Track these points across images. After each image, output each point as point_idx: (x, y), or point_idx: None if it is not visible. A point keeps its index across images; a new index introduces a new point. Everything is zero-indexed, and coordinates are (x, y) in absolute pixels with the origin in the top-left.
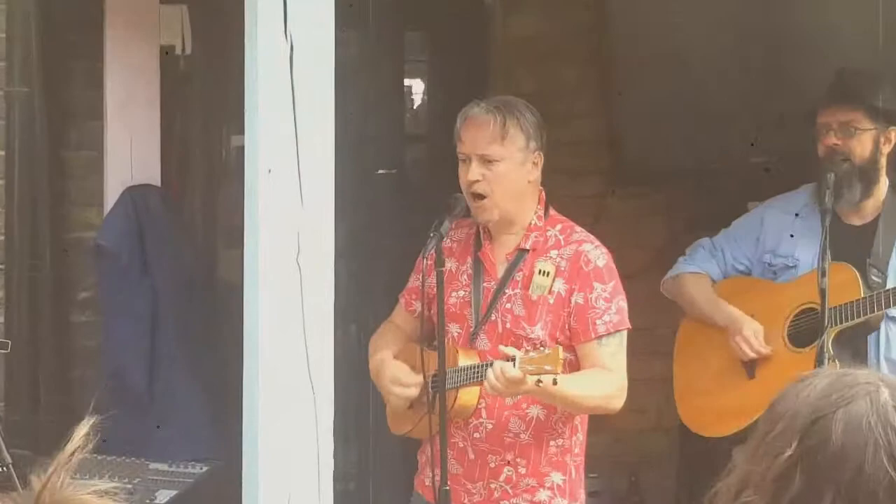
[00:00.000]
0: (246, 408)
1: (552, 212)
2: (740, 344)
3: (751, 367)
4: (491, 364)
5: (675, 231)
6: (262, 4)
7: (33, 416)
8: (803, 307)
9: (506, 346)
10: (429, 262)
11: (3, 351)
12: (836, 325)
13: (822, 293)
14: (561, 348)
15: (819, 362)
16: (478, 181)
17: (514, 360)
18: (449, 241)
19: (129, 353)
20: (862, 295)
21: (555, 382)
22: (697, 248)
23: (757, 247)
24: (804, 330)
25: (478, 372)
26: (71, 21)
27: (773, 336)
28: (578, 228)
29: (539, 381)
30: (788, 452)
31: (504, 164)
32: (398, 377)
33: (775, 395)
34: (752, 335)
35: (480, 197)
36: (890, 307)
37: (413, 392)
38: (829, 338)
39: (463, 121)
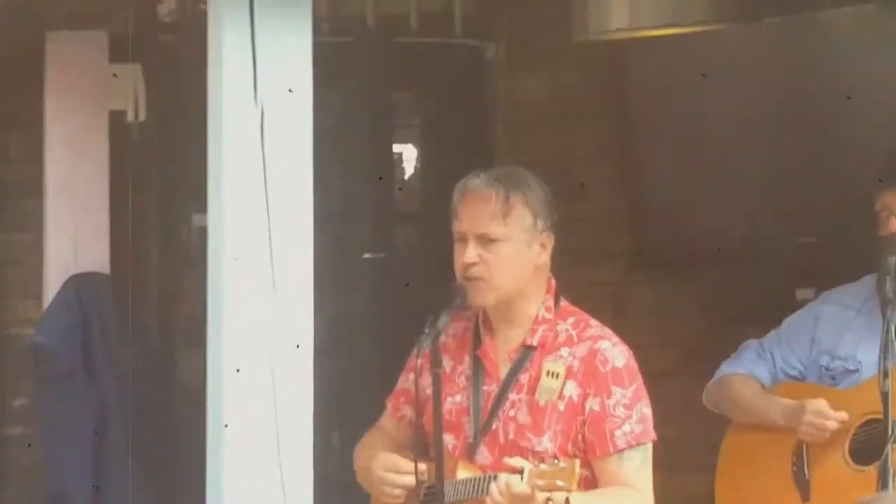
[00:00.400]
0: None
1: (563, 302)
2: (812, 421)
3: (805, 487)
4: (495, 477)
5: (710, 325)
6: (227, 62)
7: None
8: (868, 417)
9: (511, 458)
10: (422, 362)
11: None
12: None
13: (885, 398)
14: (578, 462)
15: (883, 483)
16: (475, 264)
17: (522, 472)
18: (444, 335)
19: (72, 474)
20: None
21: (567, 502)
22: (743, 350)
23: (812, 348)
24: (869, 444)
25: (479, 486)
26: (6, 86)
27: (833, 452)
28: (594, 322)
29: (549, 499)
30: None
31: (506, 245)
32: (393, 464)
33: None
34: (822, 406)
35: (476, 279)
36: None
37: (409, 481)
38: (893, 453)
39: (460, 195)
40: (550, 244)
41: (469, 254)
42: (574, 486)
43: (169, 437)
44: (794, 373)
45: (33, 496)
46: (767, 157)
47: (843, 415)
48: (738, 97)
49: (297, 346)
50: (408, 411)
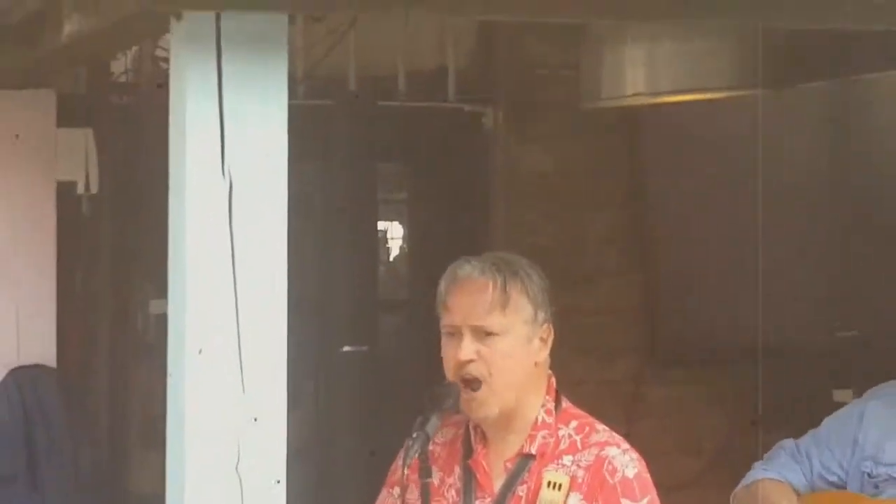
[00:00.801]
0: None
1: (565, 404)
2: None
3: None
4: None
5: (734, 428)
6: (192, 128)
7: None
8: None
9: None
10: (409, 473)
11: None
12: None
13: None
14: None
15: None
16: (472, 361)
17: None
18: (432, 443)
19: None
20: None
21: None
22: (778, 452)
23: (854, 451)
24: None
25: None
26: None
27: None
28: (600, 426)
29: None
30: None
31: (506, 340)
32: None
33: None
34: None
35: (474, 383)
36: None
37: None
38: None
39: (450, 284)
40: (551, 338)
41: (465, 349)
42: None
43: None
44: (833, 479)
45: None
46: (799, 239)
47: None
48: (766, 171)
49: (269, 452)
50: None
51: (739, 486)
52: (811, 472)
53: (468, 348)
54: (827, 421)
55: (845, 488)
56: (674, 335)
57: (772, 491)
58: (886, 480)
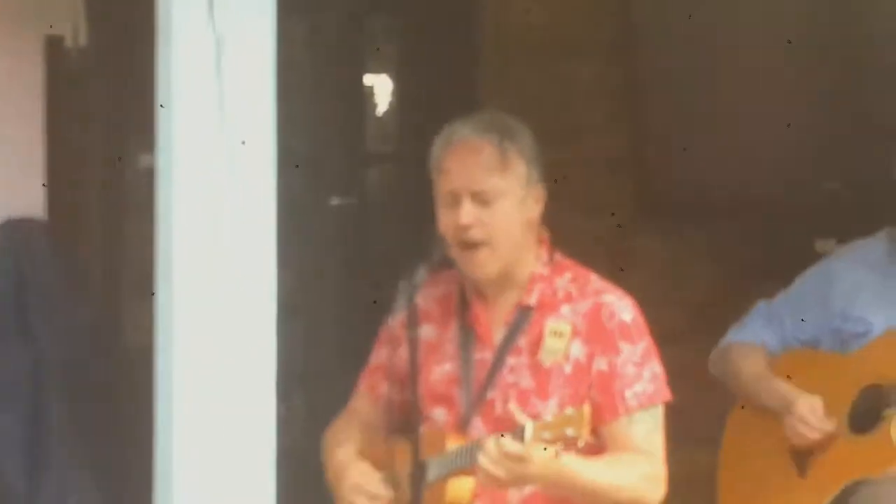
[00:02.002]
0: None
1: (558, 256)
2: (795, 426)
3: (802, 462)
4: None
5: (722, 280)
6: None
7: None
8: (870, 383)
9: (505, 429)
10: (400, 328)
11: None
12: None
13: None
14: (588, 407)
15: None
16: (472, 225)
17: (522, 429)
18: (426, 300)
19: (2, 445)
20: None
21: (578, 445)
22: (752, 315)
23: (824, 310)
24: (867, 412)
25: (468, 454)
26: None
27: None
28: (593, 276)
29: (557, 452)
30: None
31: (505, 203)
32: (363, 486)
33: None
34: (809, 411)
35: (475, 245)
36: None
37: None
38: (891, 422)
39: (447, 145)
40: (543, 196)
41: (466, 213)
42: (585, 434)
43: (112, 402)
44: (805, 337)
45: None
46: (788, 92)
47: (830, 426)
48: (756, 26)
49: (258, 302)
50: (386, 389)
51: (716, 349)
52: (784, 332)
53: (469, 212)
54: (798, 281)
55: (817, 346)
56: (663, 188)
57: (743, 358)
58: (853, 336)
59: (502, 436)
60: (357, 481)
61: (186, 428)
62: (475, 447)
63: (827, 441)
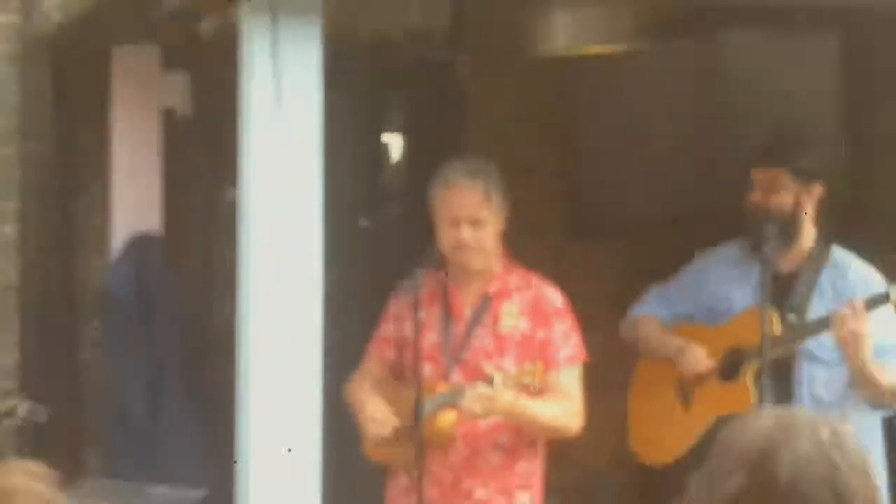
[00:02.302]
0: (240, 441)
1: (509, 262)
2: (690, 361)
3: (687, 398)
4: (468, 387)
5: (630, 279)
6: (254, 69)
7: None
8: (732, 346)
9: (477, 379)
10: (404, 310)
11: (40, 419)
12: (752, 361)
13: (764, 335)
14: (541, 365)
15: (757, 396)
16: (470, 241)
17: (492, 380)
18: (420, 292)
19: (135, 390)
20: (781, 333)
21: (534, 389)
22: (649, 295)
23: (700, 292)
24: (731, 366)
25: (451, 395)
26: (82, 85)
27: (707, 373)
28: (534, 275)
29: (526, 389)
30: (738, 484)
31: (489, 225)
32: (376, 415)
33: (719, 432)
34: (697, 355)
35: (471, 251)
36: (797, 342)
37: (385, 431)
38: (750, 373)
39: (446, 185)
40: (504, 219)
41: (465, 234)
42: (538, 382)
43: (205, 366)
44: (686, 313)
45: (101, 410)
46: (681, 147)
47: (710, 363)
48: (662, 100)
49: (309, 296)
50: (390, 353)
51: (624, 320)
52: (671, 308)
53: (466, 233)
54: (681, 273)
55: (693, 320)
56: (589, 214)
57: (643, 325)
58: (720, 313)
59: (490, 379)
60: (372, 412)
61: (258, 384)
62: (457, 391)
63: (704, 383)
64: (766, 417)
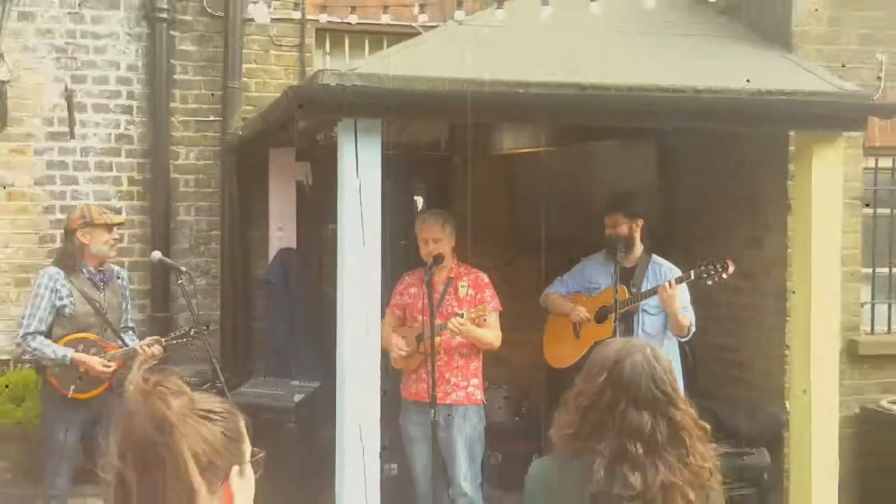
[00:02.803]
0: (339, 360)
1: (457, 261)
2: (577, 314)
3: (577, 332)
4: (451, 320)
5: (542, 275)
6: (346, 162)
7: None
8: (602, 305)
9: (447, 319)
10: (412, 289)
11: (204, 330)
12: (612, 313)
13: (615, 300)
14: (488, 307)
15: (614, 331)
16: (434, 251)
17: (461, 315)
18: (412, 279)
19: (281, 326)
20: (627, 298)
21: (484, 320)
22: (555, 281)
23: (582, 279)
24: (601, 316)
25: (442, 326)
26: (254, 168)
27: (589, 320)
28: (474, 268)
29: (475, 321)
30: (602, 379)
31: (444, 242)
32: (398, 345)
33: (593, 350)
34: (580, 311)
35: (438, 258)
36: (640, 302)
37: (404, 353)
38: (611, 319)
39: (422, 220)
40: (454, 239)
41: (431, 247)
42: (486, 315)
43: (324, 318)
44: (575, 289)
45: (264, 342)
46: (568, 202)
47: (588, 315)
48: (560, 176)
49: (373, 278)
50: (398, 312)
51: (541, 295)
52: (567, 287)
53: (432, 246)
54: (572, 269)
55: (580, 293)
56: (524, 233)
57: (552, 297)
58: (592, 289)
59: (459, 316)
60: (396, 343)
61: (347, 329)
62: (443, 324)
63: (586, 324)
64: (617, 342)
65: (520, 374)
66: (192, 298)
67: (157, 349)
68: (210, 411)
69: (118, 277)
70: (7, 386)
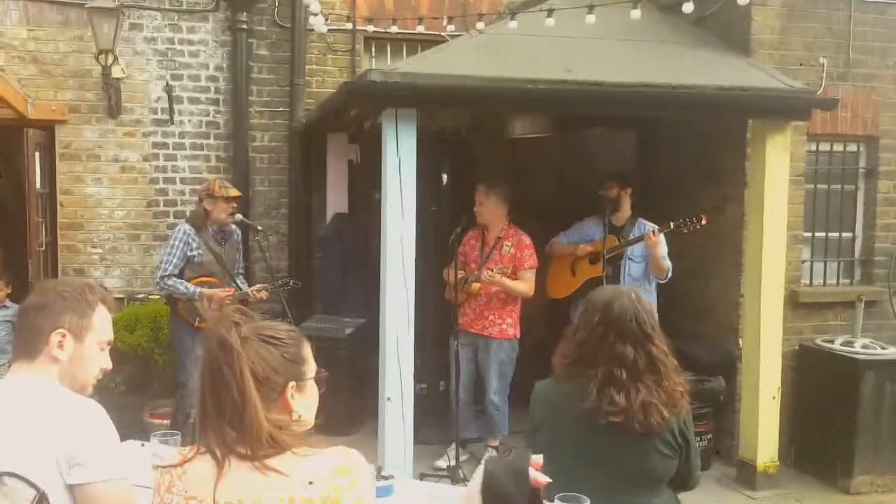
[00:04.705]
0: (381, 301)
1: (508, 223)
2: (578, 251)
3: (574, 271)
4: (488, 272)
5: (551, 232)
6: (388, 143)
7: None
8: (595, 251)
9: (492, 270)
10: (472, 241)
11: (298, 282)
12: (605, 256)
13: (603, 245)
14: (511, 267)
15: (603, 270)
16: (478, 213)
17: (493, 269)
18: (471, 233)
19: (335, 275)
20: (617, 244)
21: (507, 274)
22: (559, 234)
23: (581, 233)
24: (595, 258)
25: (479, 275)
26: (316, 148)
27: (583, 260)
28: (518, 229)
29: (502, 276)
30: (596, 318)
31: (489, 207)
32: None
33: (588, 294)
34: (586, 247)
35: (472, 215)
36: (626, 248)
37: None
38: (602, 261)
39: (477, 190)
40: (505, 205)
41: (477, 209)
42: (509, 272)
43: (369, 266)
44: (574, 241)
45: (319, 284)
46: (568, 178)
47: (588, 247)
48: (561, 158)
49: (409, 239)
50: (462, 258)
51: (548, 244)
52: (569, 239)
53: (478, 209)
54: (573, 226)
55: (579, 243)
56: (532, 202)
57: (557, 244)
58: (587, 240)
59: (490, 270)
60: (451, 277)
61: (389, 276)
62: (479, 274)
63: (582, 264)
64: (608, 289)
65: (527, 310)
66: (266, 252)
67: (263, 294)
68: (272, 336)
69: (234, 235)
70: (122, 319)
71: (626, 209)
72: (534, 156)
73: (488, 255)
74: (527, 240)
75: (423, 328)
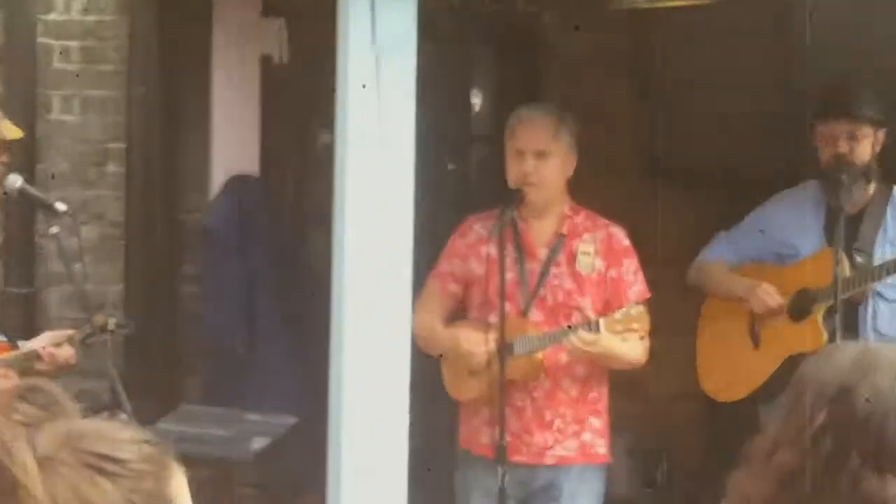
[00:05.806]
0: (332, 370)
1: (574, 203)
2: (762, 298)
3: (757, 336)
4: (573, 329)
5: (698, 223)
6: (353, 19)
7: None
8: (800, 287)
9: (557, 316)
10: (483, 248)
11: (125, 331)
12: (823, 301)
13: (835, 278)
14: (644, 308)
15: (828, 335)
16: (531, 172)
17: (597, 323)
18: (478, 226)
19: (231, 318)
20: (850, 274)
21: (642, 338)
22: (715, 241)
23: (765, 237)
24: (800, 307)
25: (549, 339)
26: (185, 31)
27: (776, 313)
28: (598, 215)
29: (621, 332)
30: (822, 415)
31: (555, 161)
32: (470, 342)
33: (795, 371)
34: (768, 292)
35: (531, 185)
36: (868, 283)
37: (482, 358)
38: (821, 312)
39: (519, 120)
40: (574, 161)
41: (528, 167)
42: (647, 327)
43: (302, 297)
44: (753, 255)
45: (199, 337)
46: (750, 102)
47: (780, 299)
48: (734, 52)
49: (400, 227)
50: (454, 288)
51: (691, 266)
52: (738, 252)
53: (530, 164)
54: (749, 216)
55: (762, 261)
56: (665, 162)
57: (711, 269)
58: (788, 256)
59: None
60: (467, 340)
61: (351, 315)
62: (556, 334)
63: (773, 323)
64: (840, 354)
65: (653, 410)
66: (74, 261)
67: (68, 353)
68: (106, 457)
69: None
70: None
71: (872, 178)
72: (680, 49)
73: (542, 278)
74: (623, 239)
75: (436, 439)
